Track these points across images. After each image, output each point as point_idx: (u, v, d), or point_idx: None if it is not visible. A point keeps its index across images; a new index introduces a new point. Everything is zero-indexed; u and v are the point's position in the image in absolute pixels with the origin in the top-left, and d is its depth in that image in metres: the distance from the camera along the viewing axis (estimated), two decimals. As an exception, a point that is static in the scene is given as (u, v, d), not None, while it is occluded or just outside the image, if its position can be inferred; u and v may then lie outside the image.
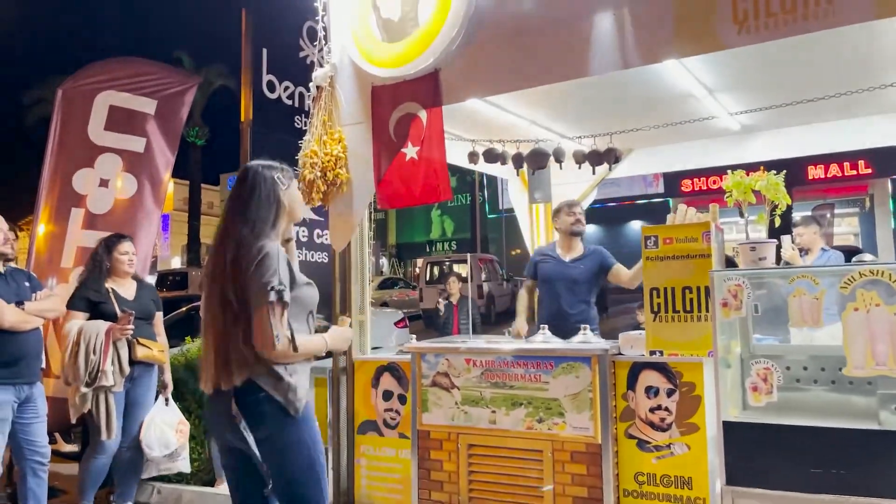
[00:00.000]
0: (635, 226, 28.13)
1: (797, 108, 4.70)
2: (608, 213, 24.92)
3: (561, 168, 4.96)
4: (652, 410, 3.58)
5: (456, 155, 5.07)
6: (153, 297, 4.52)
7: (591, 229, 27.57)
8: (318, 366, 5.19)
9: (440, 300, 9.01)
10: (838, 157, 18.92)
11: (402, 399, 4.31)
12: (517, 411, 3.85)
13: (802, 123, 5.37)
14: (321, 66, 4.61)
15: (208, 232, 30.78)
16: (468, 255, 20.18)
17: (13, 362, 3.68)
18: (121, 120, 5.69)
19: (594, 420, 3.64)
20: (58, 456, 6.37)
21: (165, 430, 4.30)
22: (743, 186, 3.63)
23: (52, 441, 6.07)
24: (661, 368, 3.56)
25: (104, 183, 5.63)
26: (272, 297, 2.29)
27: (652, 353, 3.64)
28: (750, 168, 3.92)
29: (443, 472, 4.06)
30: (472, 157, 4.86)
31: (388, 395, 4.38)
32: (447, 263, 20.00)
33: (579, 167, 4.90)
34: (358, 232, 4.64)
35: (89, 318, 4.11)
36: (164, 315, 8.17)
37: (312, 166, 4.39)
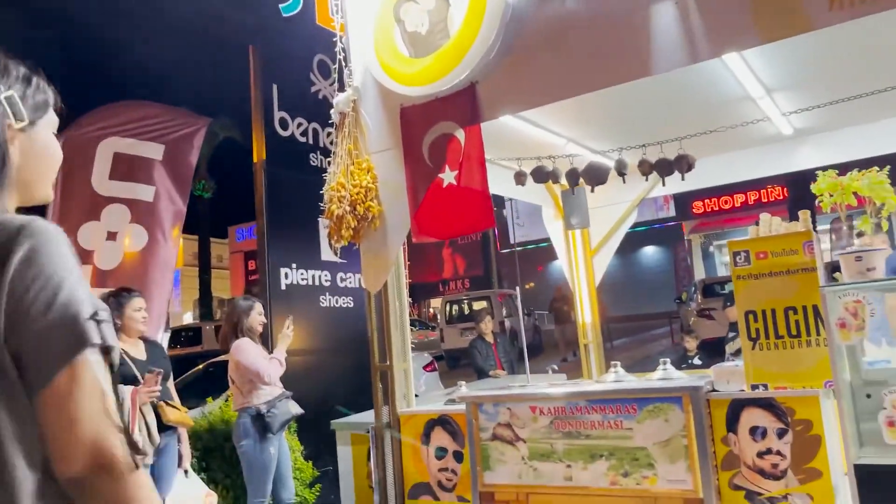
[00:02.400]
0: (647, 252, 27.65)
1: (853, 107, 4.26)
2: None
3: (624, 182, 4.49)
4: (761, 455, 3.04)
5: (492, 182, 4.60)
6: (164, 355, 4.06)
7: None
8: (356, 420, 4.69)
9: (476, 337, 8.49)
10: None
11: (459, 456, 3.78)
12: (597, 465, 3.31)
13: (857, 124, 4.92)
14: (341, 91, 4.19)
15: (219, 286, 30.44)
16: (489, 291, 19.66)
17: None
18: (127, 167, 5.31)
19: (692, 470, 3.10)
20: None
21: (192, 508, 3.79)
22: (841, 188, 3.15)
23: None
24: (768, 405, 3.03)
25: (112, 236, 5.22)
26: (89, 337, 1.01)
27: (754, 387, 3.11)
28: (798, 175, 3.44)
29: (513, 539, 3.51)
30: (519, 177, 4.40)
31: (441, 453, 3.85)
32: (466, 301, 19.45)
33: (646, 179, 4.44)
34: (395, 271, 4.16)
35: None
36: (181, 374, 7.72)
37: (340, 200, 3.94)
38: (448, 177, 3.81)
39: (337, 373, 6.06)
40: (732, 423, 3.11)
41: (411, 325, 18.69)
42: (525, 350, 4.47)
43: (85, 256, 5.09)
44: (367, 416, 4.31)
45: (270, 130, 6.23)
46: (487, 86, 3.72)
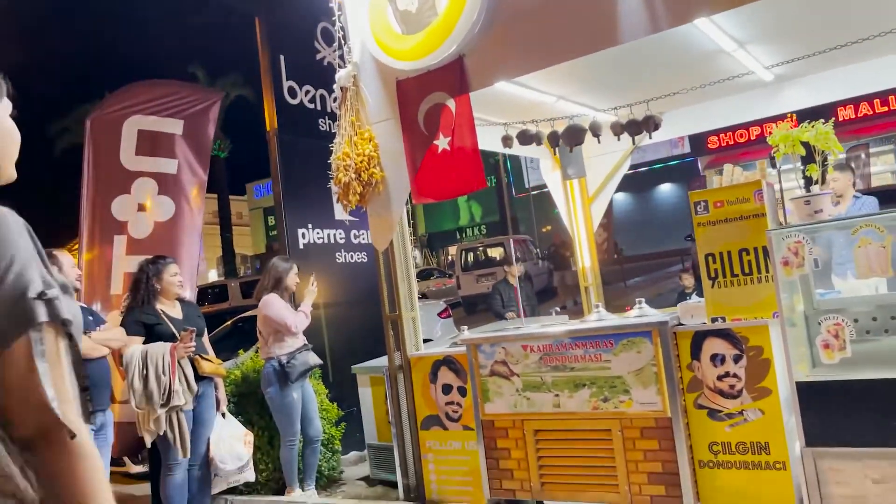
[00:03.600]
0: (664, 190, 27.76)
1: (828, 52, 4.53)
2: (636, 179, 24.57)
3: (599, 142, 4.86)
4: (720, 378, 3.50)
5: (488, 140, 5.00)
6: (198, 314, 4.58)
7: (619, 197, 27.27)
8: (373, 365, 5.22)
9: (500, 280, 8.94)
10: (868, 97, 18.34)
11: (462, 391, 4.29)
12: (581, 393, 3.80)
13: (833, 67, 5.18)
14: (343, 66, 4.57)
15: (241, 242, 31.13)
16: (504, 237, 20.06)
17: (84, 391, 3.75)
18: (150, 143, 5.74)
19: (661, 394, 3.58)
20: (128, 477, 6.52)
21: (234, 444, 4.35)
22: (791, 139, 3.51)
23: (121, 464, 6.19)
24: (726, 335, 3.48)
25: (142, 207, 5.69)
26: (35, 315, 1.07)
27: (714, 320, 3.55)
28: (780, 119, 3.77)
29: (511, 459, 4.04)
30: (506, 140, 4.79)
31: (447, 389, 4.36)
32: (481, 248, 19.93)
33: (618, 139, 4.80)
34: (400, 229, 4.60)
35: (145, 342, 4.16)
36: (210, 330, 8.29)
37: (346, 168, 4.37)
38: (442, 143, 4.21)
39: (356, 322, 6.57)
40: (696, 352, 3.56)
41: (429, 273, 19.21)
42: (519, 299, 4.89)
43: (120, 227, 5.59)
44: (383, 361, 4.82)
45: (280, 99, 6.61)
46: (474, 58, 4.08)
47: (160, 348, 4.11)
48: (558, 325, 4.13)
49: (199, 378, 4.26)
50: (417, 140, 4.31)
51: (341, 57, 4.59)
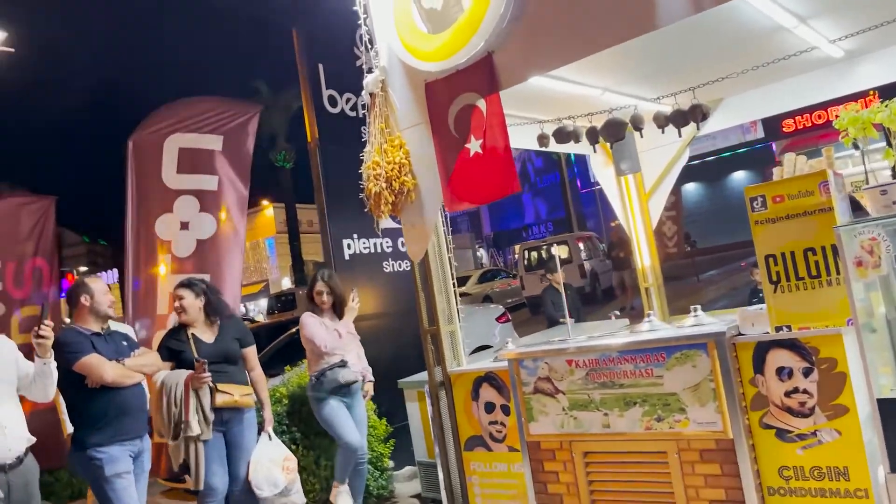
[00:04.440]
0: (738, 177, 26.55)
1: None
2: (705, 169, 23.57)
3: (641, 136, 4.51)
4: (788, 395, 3.11)
5: (523, 139, 4.69)
6: (237, 334, 4.40)
7: (690, 188, 26.25)
8: (420, 379, 5.01)
9: (547, 286, 8.65)
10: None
11: (506, 410, 4.03)
12: (632, 411, 3.47)
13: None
14: (370, 71, 4.38)
15: (310, 250, 31.66)
16: (567, 235, 19.60)
17: (118, 420, 3.68)
18: (191, 161, 5.72)
19: (721, 412, 3.22)
20: (190, 493, 6.53)
21: (272, 469, 4.21)
22: (861, 122, 3.10)
23: (182, 480, 6.19)
24: (792, 346, 3.09)
25: (184, 225, 5.67)
26: None
27: (778, 329, 3.17)
28: (858, 97, 3.36)
29: (560, 483, 3.75)
30: (542, 139, 4.49)
31: (490, 408, 4.11)
32: (545, 247, 19.50)
33: (662, 131, 4.43)
34: (436, 239, 4.38)
35: (175, 367, 4.07)
36: (276, 338, 8.25)
37: (376, 178, 4.17)
38: (474, 146, 3.96)
39: (405, 333, 6.39)
40: (759, 365, 3.18)
41: (495, 275, 18.93)
42: (566, 308, 4.60)
43: (163, 246, 5.58)
44: (424, 376, 4.60)
45: (320, 109, 6.52)
46: (504, 54, 3.81)
47: (175, 377, 4.00)
48: (605, 337, 3.81)
49: (220, 408, 4.12)
50: (448, 144, 4.07)
51: (368, 62, 4.40)
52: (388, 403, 5.79)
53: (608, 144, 5.76)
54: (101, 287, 3.86)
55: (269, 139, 28.89)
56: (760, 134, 24.08)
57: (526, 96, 4.08)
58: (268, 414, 4.50)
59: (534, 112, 4.57)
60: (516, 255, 31.24)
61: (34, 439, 3.41)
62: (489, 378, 4.10)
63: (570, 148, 4.78)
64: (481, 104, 3.91)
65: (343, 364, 4.52)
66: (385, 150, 4.23)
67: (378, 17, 4.41)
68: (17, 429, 3.27)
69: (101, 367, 3.63)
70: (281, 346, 8.03)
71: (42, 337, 3.35)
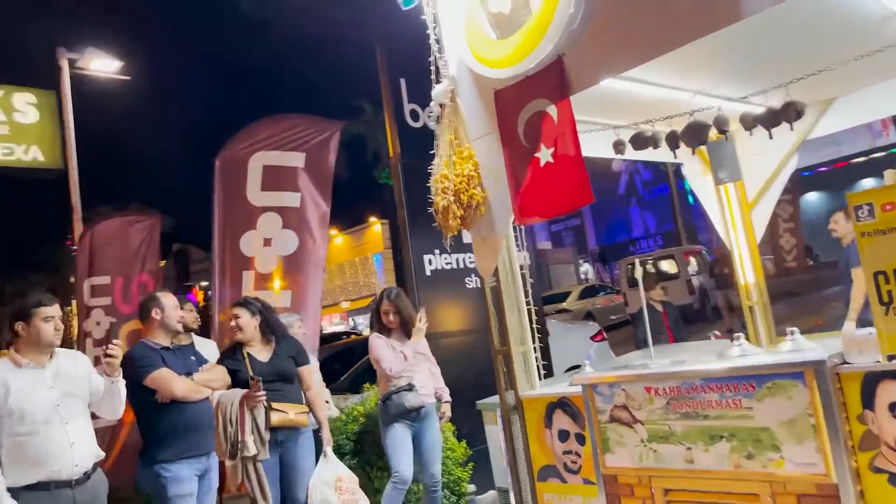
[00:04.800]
0: (867, 185, 24.49)
1: None
2: (826, 178, 21.92)
3: (727, 138, 4.09)
4: (904, 435, 2.67)
5: (597, 146, 4.36)
6: (293, 353, 4.34)
7: (811, 198, 24.48)
8: (493, 401, 4.77)
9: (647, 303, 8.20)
10: None
11: (581, 439, 3.73)
12: (718, 446, 3.10)
13: None
14: (439, 82, 4.24)
15: (413, 265, 32.03)
16: (674, 249, 18.73)
17: (186, 436, 3.69)
18: (274, 178, 5.79)
19: (822, 452, 2.80)
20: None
21: (325, 490, 4.10)
22: None
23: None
24: (909, 378, 2.64)
25: (267, 242, 5.74)
26: None
27: (890, 358, 2.73)
28: None
29: (640, 522, 3.41)
30: (617, 146, 4.17)
31: (563, 436, 3.82)
32: (650, 262, 18.69)
33: (750, 133, 4.01)
34: (506, 253, 4.16)
35: (231, 386, 4.04)
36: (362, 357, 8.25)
37: (444, 191, 4.01)
38: (545, 155, 3.72)
39: (488, 352, 6.17)
40: (868, 400, 2.75)
41: (598, 290, 18.29)
42: (647, 328, 4.25)
43: (247, 263, 5.66)
44: (549, 387, 4.28)
45: (402, 123, 6.46)
46: (574, 56, 3.57)
47: (231, 396, 3.97)
48: (689, 362, 3.44)
49: (276, 427, 4.05)
50: (518, 154, 3.85)
51: (437, 72, 4.27)
52: (470, 425, 5.58)
53: (704, 150, 5.36)
54: (172, 301, 3.90)
55: (374, 156, 29.56)
56: (893, 138, 22.17)
57: (599, 101, 3.80)
58: (325, 434, 4.39)
59: (608, 117, 4.26)
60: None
61: (103, 455, 3.46)
62: (562, 404, 3.82)
63: (650, 155, 4.42)
64: (552, 111, 3.67)
65: (410, 388, 4.35)
66: (454, 162, 4.06)
67: (447, 25, 4.27)
68: (85, 445, 3.32)
69: (171, 382, 3.66)
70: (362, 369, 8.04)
71: (110, 356, 3.39)
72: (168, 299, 3.92)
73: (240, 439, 3.86)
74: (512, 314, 4.10)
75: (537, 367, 4.27)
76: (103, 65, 11.25)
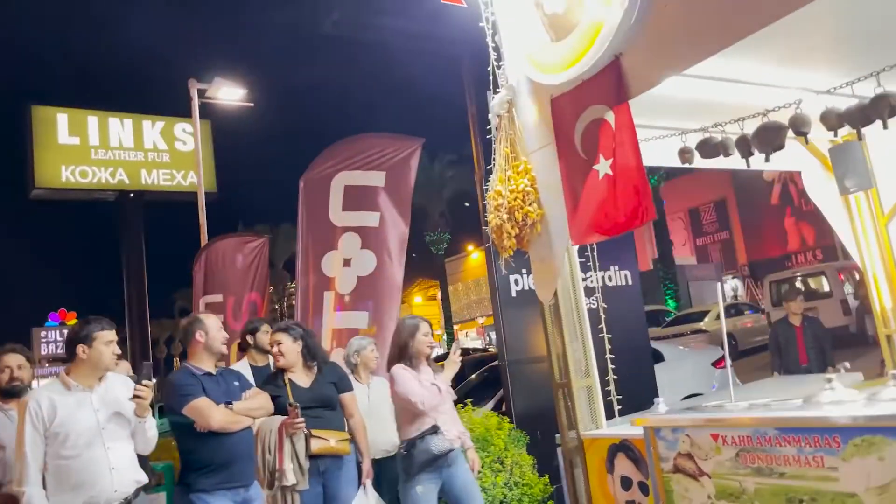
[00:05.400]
0: None
1: None
2: None
3: (806, 141, 3.44)
4: None
5: (666, 155, 3.85)
6: (335, 379, 4.13)
7: None
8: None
9: (779, 319, 7.36)
10: None
11: (644, 488, 3.27)
12: (796, 512, 2.56)
13: None
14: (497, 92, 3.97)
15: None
16: (825, 265, 16.96)
17: (225, 466, 3.62)
18: (355, 198, 5.74)
19: (925, 531, 2.22)
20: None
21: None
22: None
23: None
24: None
25: (347, 262, 5.69)
26: None
27: None
28: None
29: (709, 593, 2.90)
30: (684, 154, 3.64)
31: (626, 483, 3.38)
32: (798, 279, 16.99)
33: (835, 134, 3.36)
34: (568, 276, 3.78)
35: (273, 413, 3.92)
36: (464, 378, 8.03)
37: (497, 209, 3.73)
38: (603, 167, 3.35)
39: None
40: None
41: (739, 310, 16.81)
42: (728, 359, 3.67)
43: (328, 283, 5.64)
44: (613, 427, 3.85)
45: (489, 140, 6.21)
46: (633, 55, 3.20)
47: (270, 423, 3.82)
48: (766, 407, 2.90)
49: (317, 455, 3.86)
50: (575, 166, 3.49)
51: (495, 82, 4.00)
52: (553, 457, 5.18)
53: (827, 156, 4.68)
54: (216, 323, 3.85)
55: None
56: None
57: (662, 103, 3.34)
58: (366, 465, 4.11)
59: (673, 121, 3.75)
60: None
61: (146, 480, 3.46)
62: (624, 447, 3.38)
63: (722, 162, 3.81)
64: (609, 117, 3.30)
65: (434, 430, 3.86)
66: (509, 177, 3.76)
67: (506, 31, 3.99)
68: (126, 470, 3.32)
69: (209, 413, 3.57)
70: (472, 386, 7.82)
71: (138, 397, 3.35)
72: (211, 321, 3.87)
73: (277, 468, 3.74)
74: (574, 343, 3.71)
75: (610, 401, 3.85)
76: (229, 93, 11.91)
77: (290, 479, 3.70)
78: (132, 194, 18.01)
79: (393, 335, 4.06)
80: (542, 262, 3.74)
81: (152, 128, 18.73)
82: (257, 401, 3.82)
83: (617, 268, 6.21)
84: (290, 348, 4.01)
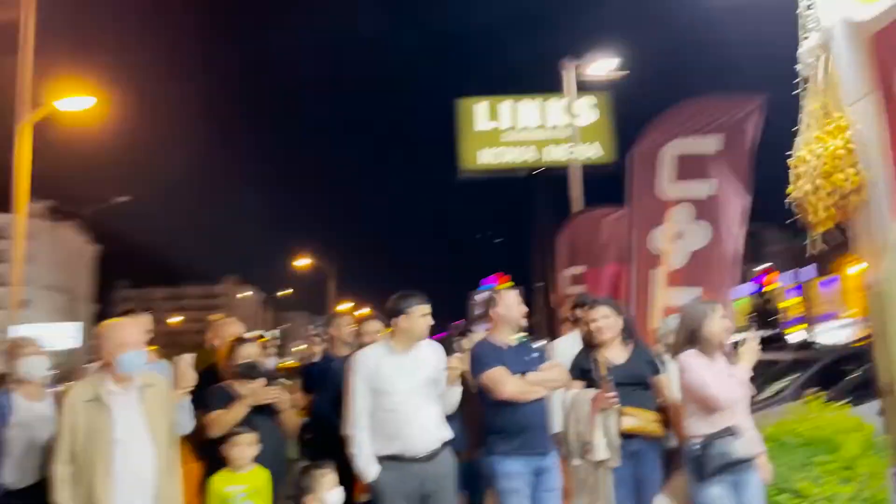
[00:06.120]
0: None
1: None
2: None
3: None
4: None
5: None
6: (649, 358, 3.98)
7: None
8: None
9: None
10: None
11: None
12: None
13: None
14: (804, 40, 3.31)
15: None
16: None
17: (519, 433, 3.82)
18: (686, 167, 5.42)
19: None
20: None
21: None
22: None
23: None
24: None
25: (679, 236, 5.40)
26: None
27: None
28: None
29: None
30: None
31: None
32: None
33: None
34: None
35: (586, 387, 3.91)
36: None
37: (799, 177, 3.15)
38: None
39: None
40: None
41: None
42: None
43: (654, 261, 5.43)
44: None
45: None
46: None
47: (583, 396, 3.82)
48: None
49: (629, 434, 3.72)
50: (899, 117, 2.76)
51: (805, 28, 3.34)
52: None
53: None
54: (514, 297, 4.05)
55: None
56: None
57: None
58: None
59: None
60: None
61: (451, 436, 3.87)
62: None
63: None
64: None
65: (732, 431, 3.39)
66: (818, 137, 3.14)
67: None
68: (432, 427, 3.79)
69: (502, 381, 3.81)
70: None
71: (450, 367, 3.78)
72: (510, 295, 4.09)
73: (588, 440, 3.78)
74: (910, 338, 2.94)
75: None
76: (601, 67, 12.08)
77: (600, 454, 3.73)
78: (539, 170, 18.96)
79: (681, 319, 3.76)
80: (866, 236, 3.05)
81: (554, 105, 19.31)
82: (553, 372, 3.95)
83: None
84: (613, 324, 4.01)
